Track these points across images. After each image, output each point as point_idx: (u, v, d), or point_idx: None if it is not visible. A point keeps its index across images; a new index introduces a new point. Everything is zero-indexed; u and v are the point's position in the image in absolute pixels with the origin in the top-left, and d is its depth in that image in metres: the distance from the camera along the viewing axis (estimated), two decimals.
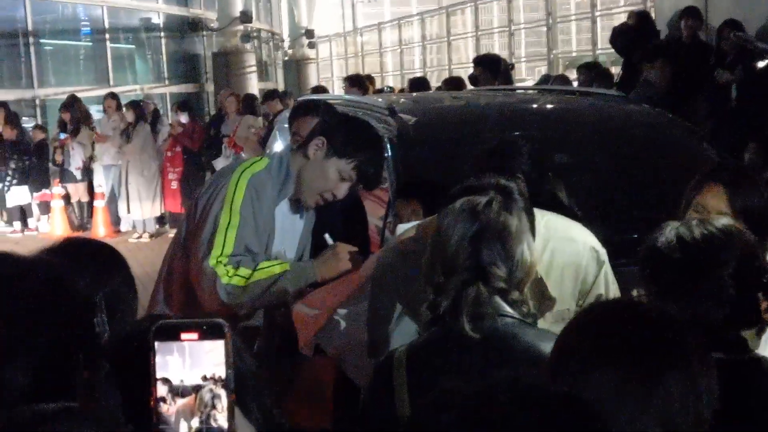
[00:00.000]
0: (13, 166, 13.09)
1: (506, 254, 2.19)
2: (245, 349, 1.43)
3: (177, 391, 1.17)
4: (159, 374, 1.17)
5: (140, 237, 12.41)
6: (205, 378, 1.18)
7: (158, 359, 1.18)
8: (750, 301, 2.03)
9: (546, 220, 2.73)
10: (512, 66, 8.96)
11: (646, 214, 3.36)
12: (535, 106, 5.45)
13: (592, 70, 8.96)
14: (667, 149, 4.52)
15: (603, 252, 2.85)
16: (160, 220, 12.82)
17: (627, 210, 4.02)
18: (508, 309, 2.19)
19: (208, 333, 1.19)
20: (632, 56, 8.43)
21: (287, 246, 3.39)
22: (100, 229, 12.62)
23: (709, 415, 1.52)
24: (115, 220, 12.91)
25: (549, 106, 5.35)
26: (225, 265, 3.07)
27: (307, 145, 3.26)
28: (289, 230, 3.39)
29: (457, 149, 4.34)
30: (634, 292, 2.25)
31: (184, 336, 1.18)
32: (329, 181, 3.22)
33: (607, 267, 2.85)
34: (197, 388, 1.17)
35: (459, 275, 2.18)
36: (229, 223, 3.11)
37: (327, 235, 3.37)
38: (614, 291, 2.86)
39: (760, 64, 7.13)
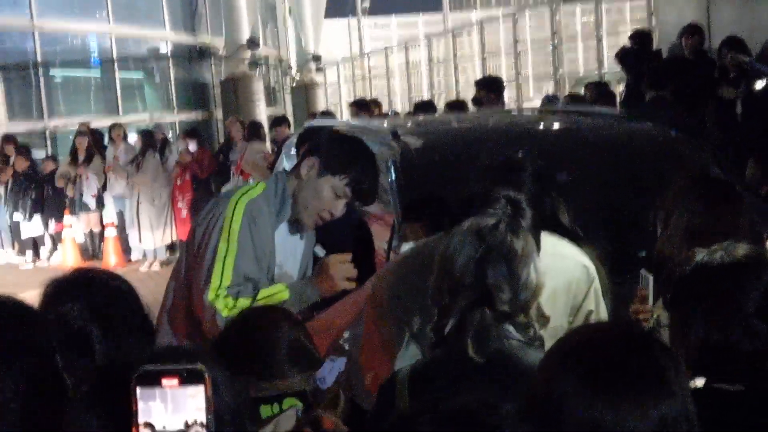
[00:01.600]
0: (33, 196, 13.18)
1: (512, 277, 2.19)
2: (225, 380, 1.44)
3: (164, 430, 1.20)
4: (142, 419, 1.20)
5: (151, 265, 12.44)
6: (187, 424, 1.20)
7: (141, 405, 1.20)
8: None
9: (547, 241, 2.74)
10: (504, 87, 9.07)
11: (649, 231, 3.36)
12: (538, 127, 5.47)
13: (597, 89, 9.00)
14: (670, 166, 4.52)
15: (593, 268, 2.86)
16: (171, 248, 12.85)
17: (630, 227, 4.02)
18: (513, 332, 2.19)
19: (189, 379, 1.22)
20: (635, 78, 8.49)
21: (289, 268, 3.38)
22: (111, 258, 12.66)
23: None
24: (126, 249, 12.95)
25: (552, 126, 5.37)
26: (224, 298, 3.06)
27: (300, 167, 3.26)
28: (290, 252, 3.38)
29: (461, 171, 4.36)
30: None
31: (165, 382, 1.21)
32: (324, 200, 3.21)
33: (597, 283, 2.86)
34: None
35: (464, 297, 2.19)
36: (227, 252, 3.09)
37: (317, 248, 3.39)
38: (603, 306, 2.87)
39: (758, 86, 7.15)
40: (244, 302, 3.05)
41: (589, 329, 1.85)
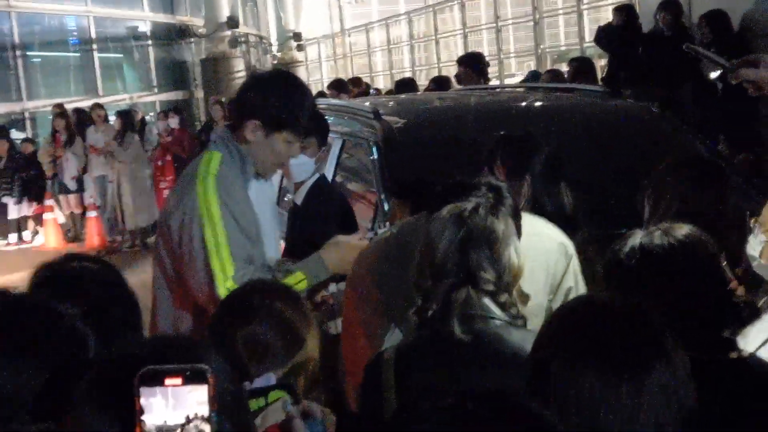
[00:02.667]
0: (24, 177, 13.10)
1: (494, 258, 2.22)
2: (224, 367, 1.44)
3: (161, 431, 1.20)
4: (145, 416, 1.20)
5: (133, 246, 12.40)
6: (188, 418, 1.20)
7: (143, 402, 1.20)
8: (719, 306, 2.04)
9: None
10: (487, 64, 8.98)
11: (632, 208, 3.36)
12: (521, 104, 5.46)
13: (580, 65, 8.98)
14: (652, 143, 4.53)
15: (570, 245, 2.87)
16: (154, 229, 12.81)
17: (613, 205, 4.02)
18: (496, 311, 2.21)
19: (192, 378, 1.22)
20: (618, 56, 8.50)
21: (266, 216, 3.30)
22: (94, 240, 12.61)
23: (690, 404, 1.54)
24: (109, 230, 12.90)
25: (534, 103, 5.36)
26: (226, 281, 2.94)
27: (242, 130, 3.13)
28: (264, 201, 3.31)
29: (444, 150, 4.36)
30: None
31: (168, 381, 1.21)
32: (282, 154, 3.15)
33: (575, 260, 2.87)
34: (181, 426, 1.21)
35: (448, 279, 2.20)
36: (216, 241, 2.98)
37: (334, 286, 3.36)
38: (582, 283, 2.89)
39: (712, 75, 7.15)
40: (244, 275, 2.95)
41: (583, 302, 1.84)
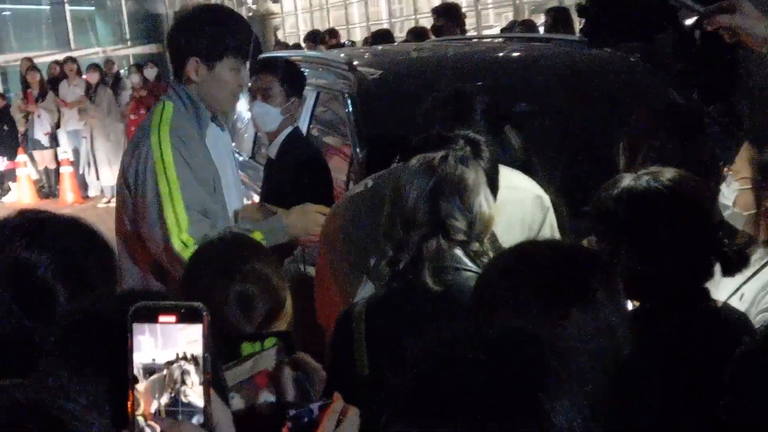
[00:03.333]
0: None
1: (465, 207, 2.21)
2: None
3: (149, 370, 1.18)
4: (135, 355, 1.17)
5: (109, 202, 12.29)
6: (177, 356, 1.18)
7: (135, 341, 1.18)
8: (698, 256, 2.01)
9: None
10: (464, 15, 8.90)
11: (611, 161, 3.32)
12: (499, 54, 5.38)
13: (557, 14, 8.89)
14: (630, 93, 4.48)
15: (546, 198, 2.84)
16: None
17: (592, 158, 3.98)
18: (468, 262, 2.20)
19: (186, 316, 1.19)
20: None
21: (227, 166, 3.23)
22: (68, 196, 12.49)
23: (621, 354, 1.56)
24: (83, 186, 12.77)
25: (513, 54, 5.29)
26: (194, 245, 2.80)
27: (186, 74, 3.05)
28: (223, 151, 3.25)
29: (420, 102, 4.29)
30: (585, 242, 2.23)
31: (161, 318, 1.18)
32: (230, 83, 3.06)
33: (551, 213, 2.85)
34: (168, 365, 1.18)
35: (419, 230, 2.19)
36: (170, 191, 2.88)
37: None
38: (558, 235, 2.86)
39: (687, 22, 7.09)
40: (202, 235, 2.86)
41: (524, 245, 1.84)
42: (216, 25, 3.06)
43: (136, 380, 1.17)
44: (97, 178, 12.47)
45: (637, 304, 2.03)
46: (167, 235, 2.87)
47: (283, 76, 4.14)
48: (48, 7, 18.97)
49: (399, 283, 2.23)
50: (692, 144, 2.86)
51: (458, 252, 2.20)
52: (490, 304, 1.64)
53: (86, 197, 12.67)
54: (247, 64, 3.10)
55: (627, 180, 2.09)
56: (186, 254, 2.80)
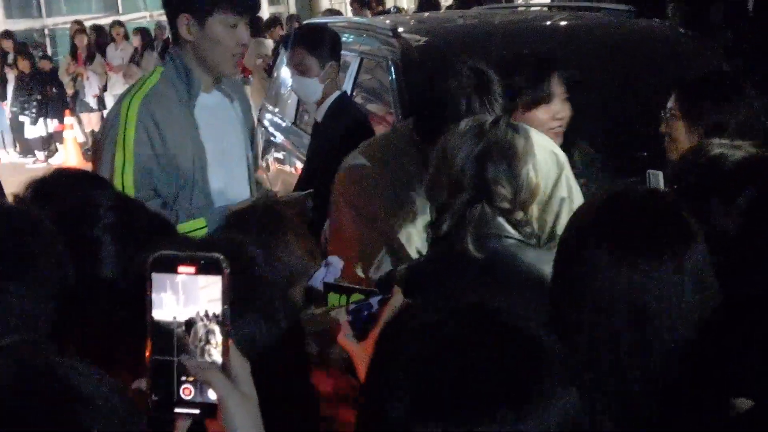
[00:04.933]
0: (39, 97, 13.04)
1: (512, 174, 2.19)
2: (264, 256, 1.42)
3: (172, 321, 1.16)
4: (154, 306, 1.16)
5: None
6: (198, 315, 1.16)
7: (153, 295, 1.17)
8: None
9: None
10: None
11: (655, 131, 3.28)
12: (545, 22, 5.33)
13: None
14: (680, 65, 4.41)
15: (562, 155, 2.82)
16: None
17: (636, 127, 3.94)
18: (510, 230, 2.18)
19: (206, 268, 1.17)
20: None
21: (231, 142, 3.09)
22: None
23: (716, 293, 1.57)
24: None
25: (560, 22, 5.23)
26: None
27: (176, 33, 2.94)
28: (226, 122, 3.10)
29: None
30: None
31: (181, 269, 1.16)
32: (226, 40, 2.87)
33: (568, 170, 2.81)
34: (190, 323, 1.16)
35: (464, 193, 2.18)
36: (124, 164, 2.76)
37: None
38: (577, 194, 2.82)
39: None
40: None
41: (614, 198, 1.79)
42: None
43: (155, 327, 1.16)
44: None
45: None
46: None
47: (312, 45, 4.07)
48: None
49: (440, 248, 2.22)
50: (734, 108, 2.81)
51: (501, 220, 2.17)
52: (579, 241, 1.63)
53: None
54: (244, 20, 2.91)
55: (715, 147, 2.10)
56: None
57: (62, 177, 2.12)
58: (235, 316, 1.19)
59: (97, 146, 2.90)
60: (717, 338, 1.51)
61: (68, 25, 14.43)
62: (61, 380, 0.99)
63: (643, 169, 2.96)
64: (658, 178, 2.77)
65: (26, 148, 13.75)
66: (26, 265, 1.44)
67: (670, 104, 2.92)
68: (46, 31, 16.91)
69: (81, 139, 13.27)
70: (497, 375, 1.02)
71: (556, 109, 3.06)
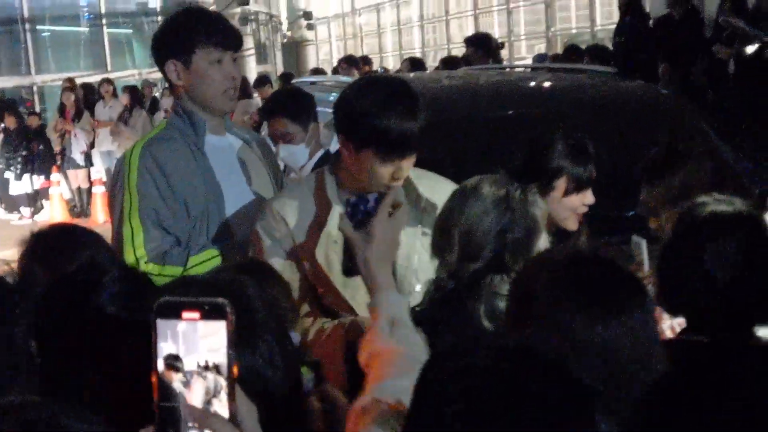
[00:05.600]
0: (24, 153, 13.07)
1: (528, 249, 2.20)
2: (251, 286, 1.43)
3: (177, 368, 1.16)
4: (160, 352, 1.16)
5: None
6: (203, 360, 1.16)
7: (158, 341, 1.16)
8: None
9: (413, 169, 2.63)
10: (502, 45, 8.90)
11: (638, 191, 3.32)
12: (530, 84, 5.41)
13: (598, 52, 8.94)
14: (662, 125, 4.47)
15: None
16: None
17: (621, 187, 3.97)
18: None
19: (210, 313, 1.17)
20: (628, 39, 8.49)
21: (252, 177, 3.07)
22: (99, 215, 12.60)
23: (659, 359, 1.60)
24: None
25: (545, 83, 5.31)
26: (146, 264, 2.73)
27: (169, 82, 2.97)
28: (242, 162, 3.08)
29: (451, 130, 4.31)
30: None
31: (185, 314, 1.16)
32: (214, 76, 2.88)
33: None
34: (196, 369, 1.16)
35: (478, 263, 2.19)
36: (130, 207, 2.80)
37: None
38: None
39: (749, 50, 7.10)
40: (172, 270, 2.75)
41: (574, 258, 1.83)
42: (182, 22, 2.95)
43: (161, 373, 1.16)
44: None
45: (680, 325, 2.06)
46: (122, 250, 2.79)
47: (293, 113, 4.07)
48: (86, 29, 19.24)
49: (445, 305, 2.22)
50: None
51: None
52: (526, 295, 1.67)
53: None
54: (229, 54, 2.91)
55: (707, 204, 2.13)
56: (143, 267, 2.73)
57: (64, 235, 2.15)
58: (238, 356, 1.19)
59: (110, 196, 2.98)
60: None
61: (57, 83, 14.53)
62: None
63: (626, 229, 3.00)
64: (641, 246, 2.79)
65: (11, 204, 13.74)
66: None
67: None
68: (35, 88, 17.00)
69: (67, 195, 13.27)
70: (549, 418, 1.05)
71: (589, 195, 2.96)
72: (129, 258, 2.75)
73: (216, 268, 2.41)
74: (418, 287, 2.47)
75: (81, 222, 12.23)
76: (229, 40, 2.92)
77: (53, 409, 1.07)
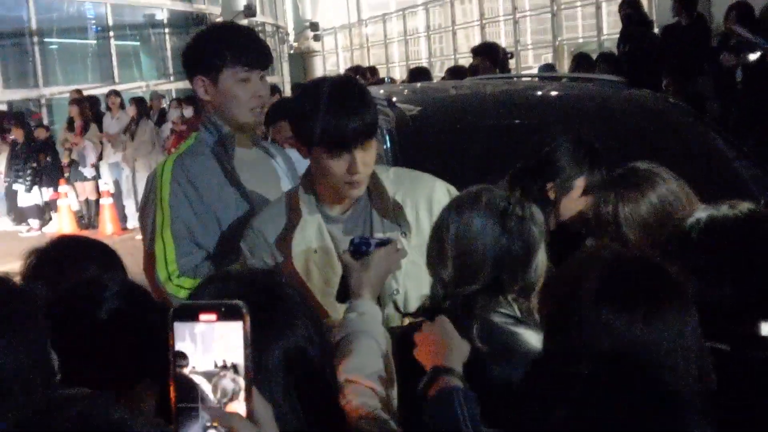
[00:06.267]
0: (34, 165, 13.11)
1: (528, 265, 2.16)
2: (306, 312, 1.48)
3: (195, 370, 1.19)
4: (177, 359, 1.19)
5: None
6: (221, 361, 1.19)
7: (176, 344, 1.19)
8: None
9: (393, 170, 2.71)
10: (511, 55, 8.89)
11: None
12: (537, 93, 5.40)
13: (609, 64, 8.93)
14: (669, 134, 4.46)
15: (454, 190, 2.66)
16: None
17: None
18: (513, 313, 2.15)
19: (227, 314, 1.20)
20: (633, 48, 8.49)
21: (270, 190, 3.07)
22: (107, 227, 12.63)
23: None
24: (122, 218, 12.92)
25: (551, 93, 5.31)
26: (178, 278, 2.77)
27: (197, 96, 3.01)
28: (270, 176, 3.13)
29: (458, 139, 4.31)
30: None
31: (202, 317, 1.19)
32: (241, 95, 2.92)
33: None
34: (213, 370, 1.19)
35: (476, 284, 2.14)
36: (162, 223, 2.82)
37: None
38: None
39: (752, 57, 7.10)
40: (191, 282, 2.75)
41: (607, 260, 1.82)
42: (212, 39, 2.99)
43: (179, 375, 1.18)
44: (137, 210, 12.61)
45: None
46: (154, 266, 2.81)
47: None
48: (94, 42, 19.31)
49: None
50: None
51: (507, 310, 2.13)
52: (569, 296, 1.69)
53: (125, 229, 12.81)
54: (256, 73, 2.94)
55: (703, 210, 2.10)
56: (169, 287, 2.77)
57: (69, 247, 2.16)
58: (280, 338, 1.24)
59: (142, 210, 2.98)
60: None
61: (65, 95, 14.57)
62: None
63: None
64: None
65: (20, 216, 13.77)
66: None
67: None
68: (43, 101, 17.06)
69: (75, 207, 13.30)
70: (645, 424, 1.09)
71: None
72: (162, 274, 2.78)
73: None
74: (397, 288, 2.46)
75: (89, 234, 12.26)
76: (257, 59, 2.95)
77: (106, 402, 1.09)
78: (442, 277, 2.20)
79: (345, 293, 2.25)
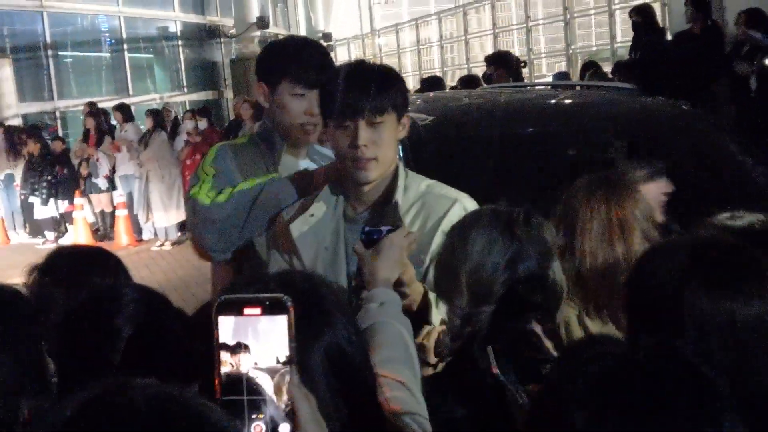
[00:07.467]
0: (49, 178, 13.17)
1: (544, 274, 2.00)
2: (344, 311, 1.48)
3: (239, 363, 1.19)
4: (221, 348, 1.19)
5: (162, 245, 12.44)
6: (265, 353, 1.19)
7: (220, 337, 1.19)
8: None
9: (427, 183, 2.67)
10: (524, 64, 8.87)
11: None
12: (550, 101, 5.39)
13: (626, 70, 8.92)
14: (684, 141, 4.44)
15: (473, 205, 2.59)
16: (182, 227, 12.84)
17: None
18: (547, 347, 1.93)
19: (271, 308, 1.20)
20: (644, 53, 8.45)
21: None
22: (122, 238, 12.66)
23: None
24: (137, 229, 12.95)
25: (564, 101, 5.29)
26: (209, 192, 2.89)
27: (257, 99, 3.13)
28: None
29: (471, 148, 4.30)
30: None
31: (246, 311, 1.20)
32: (292, 109, 2.98)
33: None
34: (259, 362, 1.19)
35: (491, 304, 1.97)
36: (205, 175, 2.96)
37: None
38: None
39: (766, 61, 7.08)
40: (227, 190, 2.88)
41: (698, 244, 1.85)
42: (277, 51, 3.11)
43: (223, 369, 1.19)
44: (146, 220, 12.65)
45: None
46: (188, 191, 2.96)
47: None
48: (108, 55, 19.41)
49: (458, 363, 2.02)
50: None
51: (535, 338, 1.93)
52: (651, 284, 1.72)
53: (140, 240, 12.84)
54: (314, 92, 2.91)
55: (723, 220, 2.15)
56: (200, 196, 2.87)
57: (74, 257, 2.16)
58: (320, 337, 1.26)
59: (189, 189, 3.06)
60: None
61: (80, 108, 14.64)
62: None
63: None
64: None
65: (36, 228, 13.83)
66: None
67: None
68: (57, 114, 17.14)
69: (91, 219, 13.34)
70: (681, 408, 1.10)
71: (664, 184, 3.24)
72: (194, 190, 2.91)
73: None
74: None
75: (105, 245, 12.28)
76: (313, 81, 2.97)
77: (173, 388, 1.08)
78: (457, 305, 2.03)
79: (359, 284, 2.28)
